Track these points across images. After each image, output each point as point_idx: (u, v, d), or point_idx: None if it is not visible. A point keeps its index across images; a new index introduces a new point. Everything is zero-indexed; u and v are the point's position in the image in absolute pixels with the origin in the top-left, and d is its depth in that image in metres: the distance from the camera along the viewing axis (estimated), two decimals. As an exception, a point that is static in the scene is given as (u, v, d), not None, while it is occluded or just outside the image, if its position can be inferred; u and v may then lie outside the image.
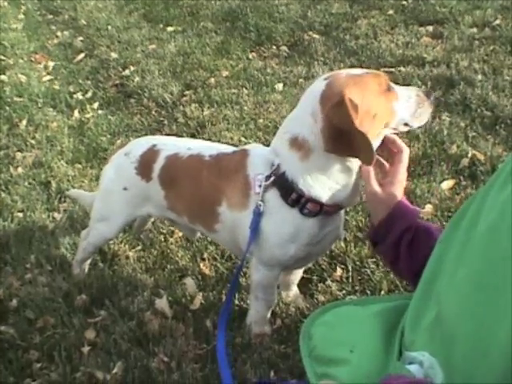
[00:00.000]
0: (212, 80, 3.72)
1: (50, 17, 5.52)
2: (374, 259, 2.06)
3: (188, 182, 1.78)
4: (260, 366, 1.74)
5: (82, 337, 1.90)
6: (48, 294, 2.08)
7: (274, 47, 4.15)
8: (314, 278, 2.07)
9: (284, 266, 1.74)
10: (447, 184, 2.47)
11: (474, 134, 2.79)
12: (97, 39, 4.69)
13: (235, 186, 1.65)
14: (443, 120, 2.93)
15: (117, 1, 5.61)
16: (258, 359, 1.76)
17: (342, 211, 1.70)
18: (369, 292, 1.98)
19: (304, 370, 1.15)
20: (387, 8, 4.45)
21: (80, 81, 4.02)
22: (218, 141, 2.92)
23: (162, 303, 1.99)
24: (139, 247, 2.33)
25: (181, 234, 2.31)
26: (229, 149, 1.79)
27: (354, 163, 1.52)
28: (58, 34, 5.01)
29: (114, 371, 1.76)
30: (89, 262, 2.20)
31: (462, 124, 2.88)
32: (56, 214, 2.56)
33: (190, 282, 2.10)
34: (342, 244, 2.16)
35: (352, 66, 3.41)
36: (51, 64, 4.35)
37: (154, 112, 3.46)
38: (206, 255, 2.22)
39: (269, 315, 1.86)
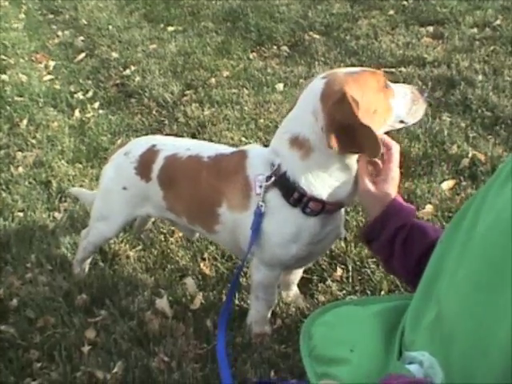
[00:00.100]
0: (213, 80, 3.72)
1: (51, 16, 5.52)
2: (375, 259, 2.06)
3: (187, 183, 1.78)
4: (260, 365, 1.74)
5: (82, 336, 1.90)
6: (48, 294, 2.08)
7: (275, 47, 4.15)
8: (315, 278, 2.07)
9: (285, 265, 1.74)
10: (447, 184, 2.47)
11: (475, 134, 2.79)
12: (97, 39, 4.69)
13: (235, 188, 1.65)
14: (444, 120, 2.93)
15: (117, 0, 5.61)
16: (258, 359, 1.76)
17: (342, 210, 1.70)
18: (369, 292, 1.98)
19: (304, 370, 1.15)
20: (388, 8, 4.45)
21: (81, 80, 4.02)
22: (219, 141, 2.93)
23: (162, 303, 1.99)
24: (140, 247, 2.33)
25: (181, 234, 2.32)
26: (227, 150, 1.79)
27: (353, 160, 1.52)
28: (59, 33, 5.01)
29: (115, 371, 1.76)
30: (89, 261, 2.20)
31: (463, 124, 2.88)
32: (56, 214, 2.56)
33: (190, 281, 2.10)
34: (343, 244, 2.16)
35: (353, 66, 3.41)
36: (52, 64, 4.35)
37: (154, 112, 3.46)
38: (206, 255, 2.23)
39: (269, 315, 1.86)
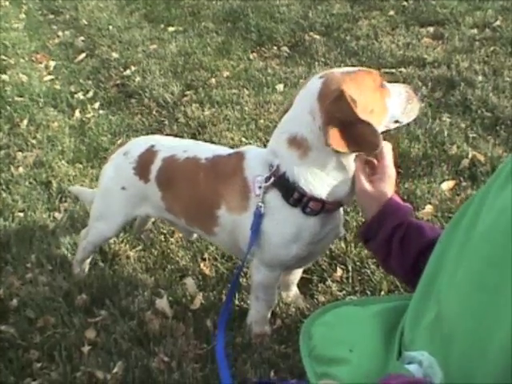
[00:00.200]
0: (213, 80, 3.72)
1: (51, 16, 5.53)
2: (374, 260, 2.06)
3: (185, 185, 1.78)
4: (260, 365, 1.74)
5: (82, 336, 1.90)
6: (48, 294, 2.08)
7: (275, 48, 4.15)
8: (315, 278, 2.08)
9: (285, 266, 1.75)
10: (447, 185, 2.47)
11: (475, 134, 2.79)
12: (98, 39, 4.69)
13: (234, 190, 1.65)
14: (443, 121, 2.93)
15: (118, 1, 5.62)
16: (258, 359, 1.77)
17: (341, 209, 1.70)
18: (369, 292, 1.98)
19: (304, 370, 1.15)
20: (388, 9, 4.45)
21: (81, 81, 4.03)
22: (219, 141, 2.93)
23: (162, 303, 1.99)
24: (140, 247, 2.33)
25: (181, 235, 2.32)
26: (224, 151, 1.79)
27: (351, 159, 1.52)
28: (59, 33, 5.02)
29: (115, 371, 1.76)
30: (89, 261, 2.20)
31: (463, 125, 2.88)
32: (57, 214, 2.57)
33: (190, 281, 2.11)
34: (343, 244, 2.17)
35: (353, 67, 3.41)
36: (52, 64, 4.35)
37: (154, 112, 3.46)
38: (206, 255, 2.23)
39: (269, 315, 1.86)
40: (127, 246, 2.32)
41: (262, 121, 3.13)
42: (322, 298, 1.98)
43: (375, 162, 1.50)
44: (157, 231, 2.39)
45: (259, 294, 1.79)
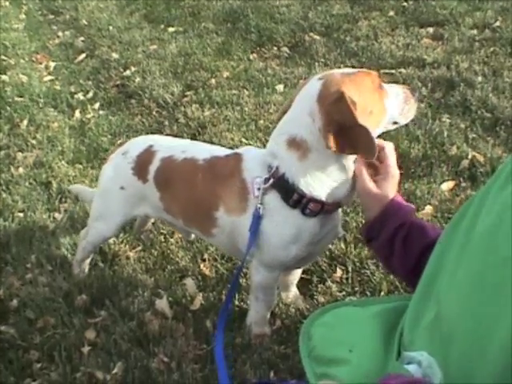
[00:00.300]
0: (213, 81, 3.72)
1: (51, 17, 5.53)
2: (374, 260, 2.07)
3: (182, 185, 1.78)
4: (260, 366, 1.75)
5: (82, 337, 1.90)
6: (48, 294, 2.08)
7: (275, 48, 4.16)
8: (314, 278, 2.08)
9: (285, 266, 1.75)
10: (447, 185, 2.48)
11: (474, 135, 2.79)
12: (98, 39, 4.69)
13: (232, 191, 1.65)
14: (443, 121, 2.93)
15: (118, 1, 5.62)
16: (257, 360, 1.77)
17: (340, 209, 1.70)
18: (368, 293, 1.98)
19: (304, 371, 1.15)
20: (388, 9, 4.45)
21: (81, 81, 4.03)
22: (219, 141, 2.93)
23: (162, 304, 2.00)
24: (139, 248, 2.33)
25: (181, 235, 2.32)
26: (222, 152, 1.78)
27: (351, 160, 1.52)
28: (59, 34, 5.02)
29: (114, 371, 1.76)
30: (89, 261, 2.20)
31: (462, 125, 2.88)
32: (57, 214, 2.57)
33: (190, 282, 2.11)
34: (342, 245, 2.17)
35: (353, 68, 3.42)
36: (52, 64, 4.35)
37: (154, 112, 3.47)
38: (206, 256, 2.23)
39: (268, 316, 1.87)
40: (127, 246, 2.32)
41: (261, 121, 3.14)
42: (321, 299, 1.98)
43: (377, 162, 1.50)
44: (157, 232, 2.39)
45: (259, 295, 1.79)
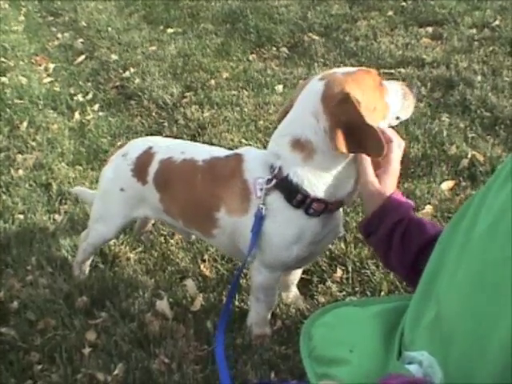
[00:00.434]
0: (212, 81, 3.73)
1: (51, 19, 5.53)
2: (374, 260, 2.07)
3: (182, 187, 1.78)
4: (260, 366, 1.75)
5: (82, 338, 1.90)
6: (49, 296, 2.08)
7: (274, 48, 4.16)
8: (314, 279, 2.08)
9: (286, 266, 1.75)
10: (447, 185, 2.48)
11: (474, 134, 2.79)
12: (97, 41, 4.70)
13: (233, 192, 1.65)
14: (443, 121, 2.93)
15: (117, 2, 5.62)
16: (258, 360, 1.77)
17: (341, 208, 1.70)
18: (369, 293, 1.98)
19: (304, 371, 1.15)
20: (387, 9, 4.46)
21: (80, 82, 4.03)
22: (219, 142, 2.93)
23: (162, 305, 2.00)
24: (140, 249, 2.33)
25: (181, 236, 2.32)
26: (221, 153, 1.78)
27: (354, 158, 1.52)
28: (59, 35, 5.02)
29: (115, 373, 1.76)
30: (89, 263, 2.20)
31: (462, 125, 2.88)
32: (57, 216, 2.57)
33: (190, 283, 2.11)
34: (342, 245, 2.17)
35: (352, 67, 3.42)
36: (52, 66, 4.36)
37: (154, 114, 3.47)
38: (206, 257, 2.23)
39: (269, 316, 1.87)
40: (127, 247, 2.32)
41: (261, 122, 3.14)
42: (321, 299, 1.98)
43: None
44: (157, 233, 2.39)
45: (260, 296, 1.79)
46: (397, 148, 1.47)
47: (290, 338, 1.84)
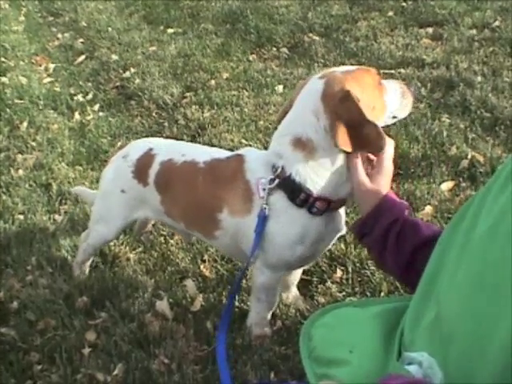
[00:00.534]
0: (212, 82, 3.73)
1: (51, 19, 5.53)
2: (374, 261, 2.07)
3: (183, 189, 1.78)
4: (260, 367, 1.75)
5: (82, 338, 1.90)
6: (49, 296, 2.08)
7: (275, 49, 4.16)
8: (314, 279, 2.08)
9: (289, 266, 1.75)
10: (447, 185, 2.48)
11: (474, 135, 2.79)
12: (97, 41, 4.70)
13: (236, 193, 1.65)
14: (443, 121, 2.93)
15: (117, 2, 5.62)
16: (258, 361, 1.77)
17: (343, 206, 1.70)
18: (369, 293, 1.98)
19: (304, 371, 1.15)
20: (387, 10, 4.46)
21: (81, 83, 4.03)
22: (219, 143, 2.93)
23: (162, 305, 2.00)
24: (140, 249, 2.33)
25: (181, 237, 2.32)
26: (222, 154, 1.78)
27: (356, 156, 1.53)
28: (59, 35, 5.02)
29: (115, 373, 1.76)
30: (89, 263, 2.20)
31: (462, 125, 2.88)
32: (57, 216, 2.57)
33: (190, 283, 2.11)
34: (342, 245, 2.17)
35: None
36: (52, 66, 4.36)
37: (154, 114, 3.47)
38: (206, 257, 2.23)
39: (269, 317, 1.87)
40: (127, 248, 2.32)
41: (261, 122, 3.14)
42: (321, 300, 1.98)
43: (373, 156, 1.51)
44: (157, 233, 2.39)
45: (261, 296, 1.79)
46: (388, 147, 1.48)
47: (290, 338, 1.84)
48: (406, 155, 2.67)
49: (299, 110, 1.56)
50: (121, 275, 2.19)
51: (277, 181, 1.57)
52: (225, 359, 1.39)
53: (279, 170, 1.57)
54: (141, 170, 1.86)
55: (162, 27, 4.85)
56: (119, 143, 3.12)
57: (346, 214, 2.27)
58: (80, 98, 3.79)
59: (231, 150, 1.86)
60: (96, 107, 3.64)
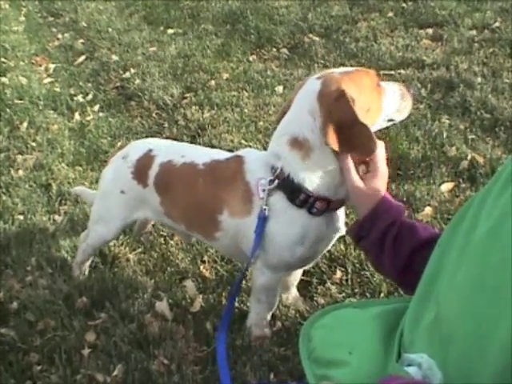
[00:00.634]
0: (212, 82, 3.73)
1: (51, 19, 5.53)
2: (374, 261, 2.07)
3: (183, 190, 1.78)
4: (260, 368, 1.74)
5: (82, 339, 1.90)
6: (48, 297, 2.08)
7: (275, 49, 4.16)
8: (314, 280, 2.08)
9: (290, 267, 1.75)
10: (447, 186, 2.48)
11: (474, 136, 2.79)
12: (97, 41, 4.70)
13: (236, 194, 1.65)
14: (443, 122, 2.93)
15: (117, 3, 5.62)
16: (257, 361, 1.77)
17: (343, 206, 1.70)
18: (368, 295, 1.98)
19: (304, 372, 1.15)
20: (387, 10, 4.46)
21: (81, 83, 4.03)
22: (219, 143, 2.93)
23: (162, 306, 2.00)
24: (140, 250, 2.33)
25: (181, 238, 2.32)
26: (222, 155, 1.78)
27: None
28: (59, 36, 5.02)
29: (115, 374, 1.76)
30: (89, 264, 2.20)
31: (462, 126, 2.88)
32: (57, 217, 2.57)
33: (190, 284, 2.11)
34: (342, 247, 2.17)
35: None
36: (52, 66, 4.36)
37: (154, 114, 3.47)
38: (206, 258, 2.23)
39: (269, 318, 1.87)
40: (127, 248, 2.32)
41: (261, 123, 3.14)
42: (321, 301, 1.98)
43: (367, 159, 1.51)
44: (156, 234, 2.39)
45: (261, 297, 1.79)
46: (379, 149, 1.47)
47: (290, 339, 1.84)
48: (405, 156, 2.67)
49: (296, 110, 1.56)
50: (120, 276, 2.19)
51: (276, 182, 1.57)
52: (225, 358, 1.40)
53: (278, 171, 1.57)
54: (140, 170, 1.86)
55: (162, 28, 4.85)
56: (119, 144, 3.12)
57: (346, 214, 2.27)
58: (80, 98, 3.79)
59: (231, 150, 1.86)
60: (96, 108, 3.64)
